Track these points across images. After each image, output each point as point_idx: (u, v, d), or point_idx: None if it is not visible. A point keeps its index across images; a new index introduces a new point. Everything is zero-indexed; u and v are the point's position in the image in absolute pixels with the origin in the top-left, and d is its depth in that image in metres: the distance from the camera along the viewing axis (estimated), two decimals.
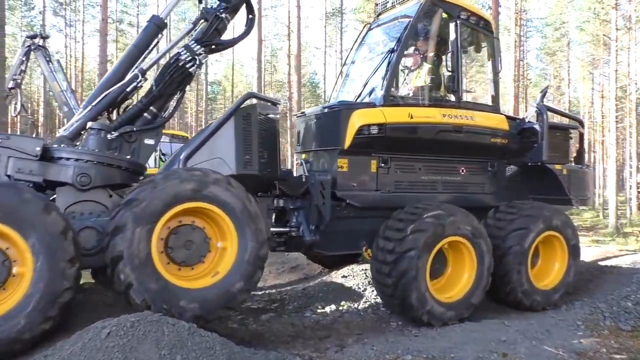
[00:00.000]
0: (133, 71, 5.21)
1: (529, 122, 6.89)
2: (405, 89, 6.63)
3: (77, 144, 5.07)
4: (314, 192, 5.63)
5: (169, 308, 4.08)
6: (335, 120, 5.86)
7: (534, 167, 6.87)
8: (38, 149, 4.53)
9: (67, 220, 4.04)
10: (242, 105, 5.35)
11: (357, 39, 7.38)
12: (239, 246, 4.47)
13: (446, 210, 5.54)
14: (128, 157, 5.02)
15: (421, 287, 5.25)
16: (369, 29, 7.27)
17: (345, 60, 7.47)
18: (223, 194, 4.43)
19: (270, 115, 5.71)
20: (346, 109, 5.81)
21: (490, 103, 6.87)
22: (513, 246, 5.99)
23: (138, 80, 5.21)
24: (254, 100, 5.92)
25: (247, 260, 4.46)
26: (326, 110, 6.09)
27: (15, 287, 3.78)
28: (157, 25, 5.43)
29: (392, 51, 6.10)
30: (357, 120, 5.65)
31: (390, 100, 5.98)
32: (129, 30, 42.71)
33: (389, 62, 6.07)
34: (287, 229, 5.75)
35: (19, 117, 8.19)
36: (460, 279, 5.69)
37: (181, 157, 5.04)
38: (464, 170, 6.56)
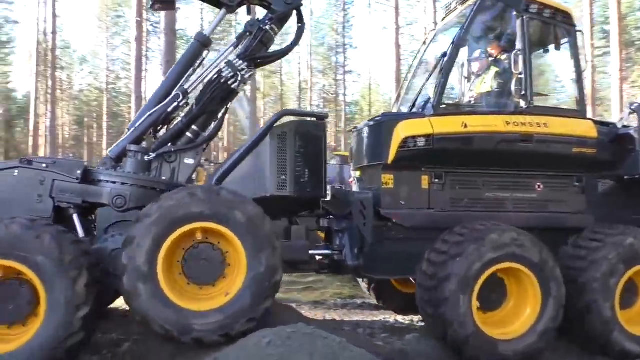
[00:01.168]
0: (176, 91, 5.23)
1: (623, 127, 5.80)
2: (467, 97, 5.99)
3: (120, 165, 5.29)
4: (354, 212, 5.27)
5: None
6: (379, 133, 5.47)
7: (632, 181, 5.74)
8: (79, 172, 4.81)
9: None
10: (278, 124, 5.17)
11: (421, 45, 6.91)
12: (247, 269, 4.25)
13: (498, 231, 4.80)
14: (164, 178, 5.08)
15: (464, 318, 4.57)
16: (434, 34, 6.76)
17: (409, 68, 7.00)
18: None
19: (314, 132, 5.42)
20: (390, 120, 5.40)
21: (574, 107, 5.92)
22: (594, 281, 4.99)
23: (179, 100, 5.21)
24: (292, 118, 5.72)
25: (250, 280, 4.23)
26: (371, 123, 5.71)
27: None
28: (201, 43, 5.41)
29: (445, 55, 5.56)
30: (401, 132, 5.21)
31: (443, 109, 5.45)
32: None
33: (441, 68, 5.54)
34: (329, 252, 5.41)
35: None
36: (522, 313, 4.88)
37: (215, 178, 5.00)
38: (541, 186, 5.69)
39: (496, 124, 5.35)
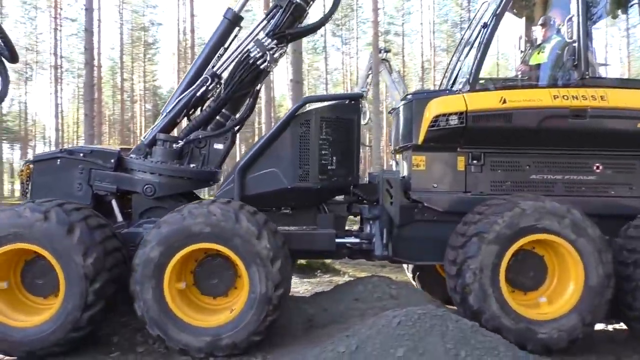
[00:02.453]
0: (205, 74, 5.20)
1: None
2: (517, 70, 5.46)
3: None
4: (380, 191, 5.00)
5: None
6: (409, 112, 5.16)
7: None
8: (112, 160, 5.05)
9: None
10: (302, 111, 5.00)
11: (472, 19, 6.41)
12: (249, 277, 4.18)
13: (528, 202, 4.38)
14: (193, 165, 5.15)
15: (494, 303, 4.20)
16: (487, 5, 6.24)
17: (459, 43, 6.51)
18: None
19: (344, 116, 5.20)
20: (421, 98, 5.06)
21: None
22: None
23: (208, 84, 5.16)
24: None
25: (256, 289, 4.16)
26: (403, 102, 5.40)
27: None
28: (230, 21, 5.29)
29: (485, 26, 5.11)
30: (432, 110, 4.88)
31: (482, 84, 5.02)
32: (394, 40, 45.32)
33: (480, 40, 5.09)
34: (358, 241, 5.18)
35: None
36: (564, 292, 4.39)
37: (237, 169, 4.97)
38: (600, 167, 5.05)
39: (541, 98, 4.82)
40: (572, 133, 4.87)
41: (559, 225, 4.28)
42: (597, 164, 5.04)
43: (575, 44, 4.90)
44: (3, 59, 5.07)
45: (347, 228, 5.55)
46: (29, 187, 5.12)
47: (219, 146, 5.22)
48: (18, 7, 40.71)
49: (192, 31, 34.27)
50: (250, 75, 5.13)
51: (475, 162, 5.01)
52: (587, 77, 4.90)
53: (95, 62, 27.40)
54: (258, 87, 5.42)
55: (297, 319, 4.80)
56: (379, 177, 5.05)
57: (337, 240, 5.11)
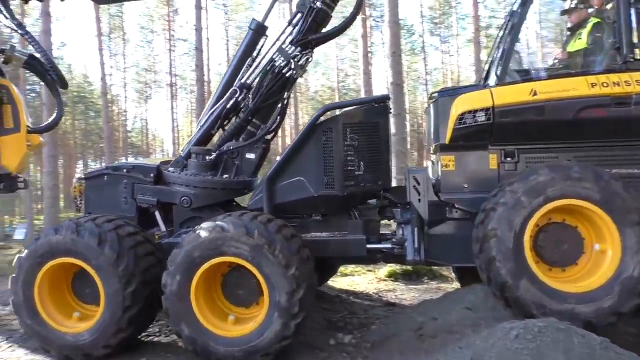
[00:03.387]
0: (234, 86, 5.36)
1: None
2: (552, 58, 5.12)
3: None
4: (408, 189, 4.90)
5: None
6: (437, 111, 5.00)
7: None
8: (152, 175, 5.37)
9: None
10: (324, 119, 5.02)
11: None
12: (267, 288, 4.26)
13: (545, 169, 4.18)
14: (225, 176, 5.33)
15: (520, 277, 4.02)
16: None
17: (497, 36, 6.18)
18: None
19: (369, 120, 5.14)
20: (447, 96, 4.89)
21: None
22: None
23: (237, 95, 5.30)
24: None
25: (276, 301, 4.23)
26: (431, 101, 5.24)
27: None
28: (255, 31, 5.43)
29: (512, 14, 4.84)
30: (457, 107, 4.70)
31: (512, 76, 4.75)
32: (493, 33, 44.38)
33: (510, 29, 4.84)
34: (389, 246, 5.09)
35: None
36: (603, 262, 4.12)
37: (265, 179, 5.08)
38: None
39: (577, 87, 4.48)
40: (615, 123, 4.47)
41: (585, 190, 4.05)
42: None
43: (616, 25, 4.51)
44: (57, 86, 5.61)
45: (383, 232, 5.48)
46: (82, 203, 5.57)
47: (250, 156, 5.36)
48: (137, 32, 44.05)
49: None
50: (277, 84, 5.23)
51: (508, 159, 4.75)
52: (631, 60, 4.48)
53: (206, 78, 29.14)
54: (287, 95, 5.50)
55: (406, 327, 4.77)
56: (406, 175, 4.95)
57: (369, 245, 5.07)
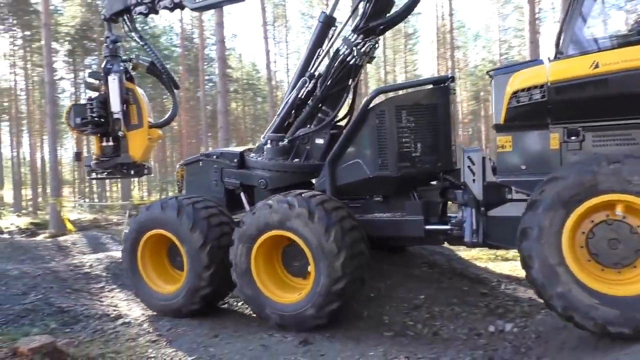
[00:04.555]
0: (305, 77, 5.78)
1: None
2: (625, 25, 4.58)
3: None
4: (463, 169, 4.84)
5: (258, 312, 4.94)
6: (494, 89, 4.80)
7: None
8: (236, 160, 6.05)
9: None
10: (376, 103, 5.16)
11: None
12: (315, 277, 4.63)
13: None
14: (295, 160, 5.76)
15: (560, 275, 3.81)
16: None
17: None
18: (302, 229, 4.65)
19: (426, 102, 5.17)
20: (502, 73, 4.69)
21: None
22: None
23: (307, 85, 5.71)
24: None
25: (318, 292, 4.58)
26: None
27: None
28: (324, 24, 5.73)
29: None
30: (511, 85, 4.51)
31: (575, 48, 4.39)
32: None
33: None
34: (448, 227, 5.08)
35: None
36: None
37: (327, 162, 5.40)
38: None
39: None
40: None
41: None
42: None
43: None
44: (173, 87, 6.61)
45: (451, 215, 5.46)
46: (184, 185, 6.50)
47: (319, 141, 5.72)
48: (298, 19, 47.02)
49: (451, 14, 34.20)
50: (342, 72, 5.48)
51: (572, 138, 4.41)
52: None
53: None
54: (354, 83, 5.72)
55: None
56: (462, 155, 4.89)
57: (427, 226, 5.14)
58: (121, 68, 6.16)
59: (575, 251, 3.89)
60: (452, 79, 5.33)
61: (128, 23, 6.50)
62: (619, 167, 3.72)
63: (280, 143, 5.84)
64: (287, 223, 4.68)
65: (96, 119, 6.07)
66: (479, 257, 7.85)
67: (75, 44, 39.18)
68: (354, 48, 5.32)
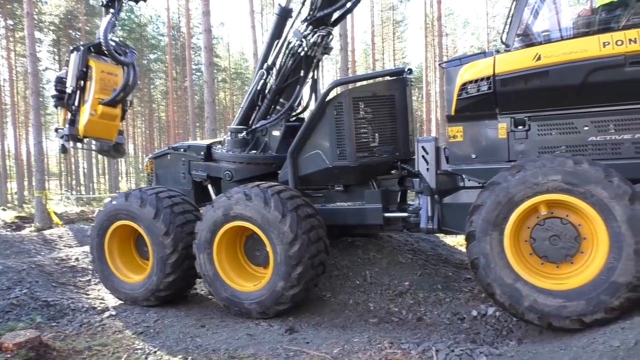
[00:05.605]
0: (263, 69, 5.89)
1: None
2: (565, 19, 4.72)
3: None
4: (417, 158, 5.00)
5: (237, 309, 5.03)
6: (445, 80, 4.96)
7: None
8: (202, 153, 6.18)
9: None
10: (335, 94, 5.29)
11: None
12: (272, 251, 4.77)
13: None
14: (252, 152, 5.88)
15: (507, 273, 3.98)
16: None
17: None
18: (245, 211, 4.81)
19: (383, 93, 5.31)
20: (453, 65, 4.82)
21: None
22: None
23: (265, 77, 5.83)
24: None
25: (279, 262, 4.72)
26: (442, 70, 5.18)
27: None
28: (280, 16, 5.84)
29: None
30: (461, 77, 4.66)
31: (521, 41, 4.54)
32: None
33: None
34: (405, 214, 5.26)
35: None
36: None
37: (288, 153, 5.53)
38: None
39: (586, 48, 4.14)
40: (633, 84, 4.06)
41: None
42: None
43: None
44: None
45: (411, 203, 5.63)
46: (153, 178, 6.62)
47: (275, 133, 5.85)
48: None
49: (439, 1, 34.14)
50: (295, 64, 5.58)
51: (519, 127, 4.58)
52: None
53: (350, 47, 29.63)
54: (311, 74, 5.82)
55: None
56: (415, 144, 5.05)
57: (386, 214, 5.31)
58: (83, 47, 6.16)
59: (526, 260, 4.03)
60: (410, 71, 5.46)
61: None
62: (523, 175, 3.90)
63: (239, 135, 5.96)
64: (245, 213, 4.81)
65: (56, 93, 6.15)
66: (464, 243, 7.99)
67: (60, 34, 38.85)
68: (304, 39, 5.42)
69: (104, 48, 5.97)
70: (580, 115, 4.37)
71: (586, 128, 4.36)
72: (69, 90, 6.06)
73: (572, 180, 3.74)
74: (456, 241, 7.89)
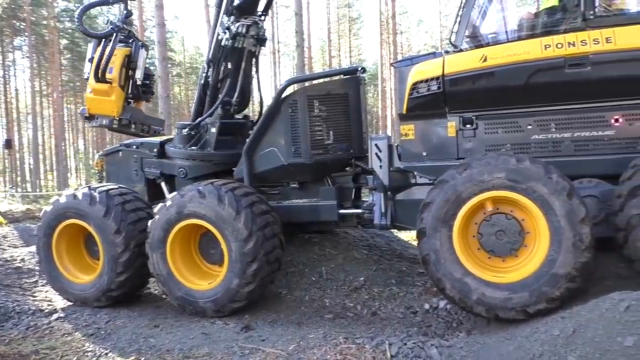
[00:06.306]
0: (204, 63, 5.87)
1: None
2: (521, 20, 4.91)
3: None
4: (370, 156, 5.08)
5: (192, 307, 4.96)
6: (397, 79, 5.09)
7: None
8: (156, 150, 6.07)
9: None
10: (290, 92, 5.31)
11: None
12: (227, 248, 4.75)
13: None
14: (192, 149, 5.83)
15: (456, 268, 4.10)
16: None
17: None
18: (199, 208, 4.77)
19: (337, 91, 5.38)
20: (404, 65, 4.95)
21: None
22: None
23: (205, 72, 5.81)
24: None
25: (234, 259, 4.70)
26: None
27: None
28: (218, 7, 5.78)
29: None
30: (411, 77, 4.78)
31: (471, 42, 4.70)
32: None
33: None
34: (360, 211, 5.35)
35: None
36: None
37: (243, 151, 5.50)
38: (620, 120, 4.35)
39: (529, 50, 4.34)
40: (572, 85, 4.29)
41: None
42: (616, 116, 4.35)
43: None
44: None
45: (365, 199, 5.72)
46: (104, 176, 6.45)
47: (213, 129, 5.80)
48: None
49: (394, 0, 34.41)
50: (224, 57, 5.58)
51: (467, 126, 4.75)
52: (592, 17, 4.24)
53: (306, 44, 29.40)
54: (244, 67, 5.79)
55: None
56: (369, 142, 5.14)
57: (341, 211, 5.38)
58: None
59: (474, 255, 4.16)
60: (363, 69, 5.55)
61: None
62: (470, 173, 4.04)
63: (183, 131, 5.89)
64: (199, 211, 4.78)
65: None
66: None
67: (2, 24, 37.23)
68: (227, 30, 5.41)
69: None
70: (524, 115, 4.58)
71: (529, 127, 4.58)
72: (84, 75, 6.40)
73: (515, 177, 3.90)
74: (410, 236, 8.06)
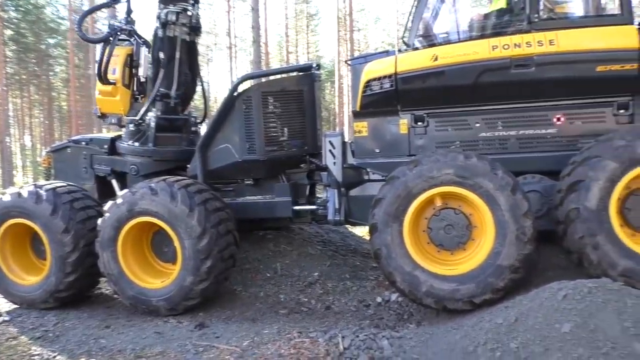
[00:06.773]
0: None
1: None
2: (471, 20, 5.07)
3: None
4: (324, 153, 5.13)
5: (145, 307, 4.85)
6: (351, 77, 5.17)
7: None
8: (106, 146, 5.92)
9: None
10: (244, 88, 5.30)
11: None
12: (180, 246, 4.69)
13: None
14: (136, 144, 5.72)
15: (407, 262, 4.20)
16: None
17: None
18: (150, 206, 4.70)
19: (292, 88, 5.41)
20: (358, 63, 5.02)
21: (617, 12, 4.50)
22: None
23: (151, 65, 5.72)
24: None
25: (187, 256, 4.65)
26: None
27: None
28: (160, 1, 5.66)
29: None
30: (364, 75, 4.85)
31: (423, 41, 4.81)
32: None
33: None
34: (314, 207, 5.41)
35: None
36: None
37: (197, 147, 5.47)
38: (562, 119, 4.57)
39: (477, 50, 4.49)
40: (518, 85, 4.47)
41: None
42: (559, 115, 4.56)
43: None
44: None
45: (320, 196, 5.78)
46: (52, 173, 6.24)
47: (152, 124, 5.72)
48: None
49: None
50: (156, 46, 5.54)
51: (418, 124, 4.87)
52: (536, 20, 4.42)
53: (263, 39, 28.84)
54: (181, 58, 5.71)
55: None
56: (323, 139, 5.19)
57: (295, 207, 5.41)
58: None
59: (424, 248, 4.29)
60: (318, 66, 5.59)
61: None
62: (420, 169, 4.16)
63: (130, 126, 5.79)
64: (151, 208, 4.70)
65: None
66: None
67: None
68: (157, 19, 5.38)
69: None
70: (472, 113, 4.73)
71: (477, 125, 4.74)
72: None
73: (463, 173, 4.04)
74: (364, 232, 8.18)
